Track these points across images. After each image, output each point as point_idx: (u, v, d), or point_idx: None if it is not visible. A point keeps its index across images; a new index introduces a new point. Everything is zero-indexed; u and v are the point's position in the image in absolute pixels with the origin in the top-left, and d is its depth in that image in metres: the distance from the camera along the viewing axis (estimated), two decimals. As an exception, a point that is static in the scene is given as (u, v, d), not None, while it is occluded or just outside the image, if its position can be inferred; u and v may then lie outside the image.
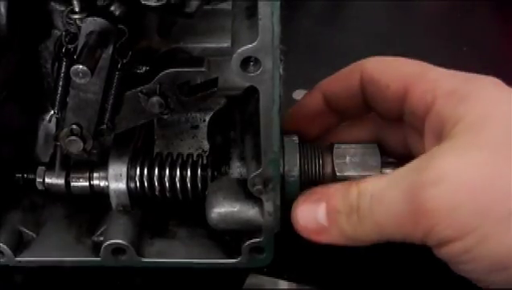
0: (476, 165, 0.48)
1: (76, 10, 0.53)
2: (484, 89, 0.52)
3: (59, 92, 0.57)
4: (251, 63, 0.48)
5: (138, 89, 0.56)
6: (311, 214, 0.54)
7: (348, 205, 0.52)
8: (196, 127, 0.66)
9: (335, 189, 0.54)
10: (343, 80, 0.62)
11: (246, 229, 0.59)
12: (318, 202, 0.54)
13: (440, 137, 0.52)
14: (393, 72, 0.58)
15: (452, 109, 0.52)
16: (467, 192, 0.47)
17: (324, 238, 0.54)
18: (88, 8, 0.53)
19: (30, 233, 0.62)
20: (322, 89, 0.63)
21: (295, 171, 0.57)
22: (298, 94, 0.84)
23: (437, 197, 0.47)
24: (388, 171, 0.59)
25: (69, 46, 0.55)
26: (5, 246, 0.60)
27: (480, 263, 0.49)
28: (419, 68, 0.57)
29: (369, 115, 0.63)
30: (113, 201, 0.61)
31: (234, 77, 0.58)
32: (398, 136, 0.60)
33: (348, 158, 0.58)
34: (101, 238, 0.61)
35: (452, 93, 0.53)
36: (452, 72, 0.56)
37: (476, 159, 0.48)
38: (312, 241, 0.55)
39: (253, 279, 0.61)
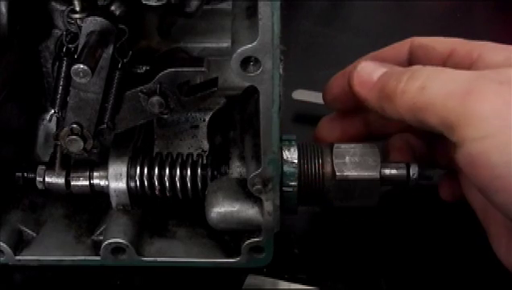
0: None
1: (77, 9, 0.54)
2: None
3: (59, 91, 0.57)
4: (251, 63, 0.48)
5: (138, 88, 0.56)
6: (371, 69, 0.57)
7: (407, 69, 0.54)
8: (196, 127, 0.66)
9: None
10: (393, 48, 0.66)
11: (246, 229, 0.59)
12: (383, 66, 0.57)
13: None
14: (441, 40, 0.63)
15: (504, 56, 0.54)
16: None
17: (365, 92, 0.57)
18: (89, 8, 0.53)
19: (30, 232, 0.63)
20: (373, 55, 0.66)
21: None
22: (298, 94, 0.84)
23: (497, 91, 0.48)
24: (387, 171, 0.59)
25: (70, 45, 0.56)
26: (5, 245, 0.60)
27: None
28: (465, 40, 0.61)
29: None
30: (113, 201, 0.61)
31: (234, 77, 0.58)
32: None
33: (347, 158, 0.59)
34: (101, 238, 0.61)
35: (501, 47, 0.56)
36: None
37: None
38: (355, 91, 0.58)
39: (253, 280, 0.61)
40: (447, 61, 0.60)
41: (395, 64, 0.63)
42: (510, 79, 0.49)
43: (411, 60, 0.63)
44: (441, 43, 0.62)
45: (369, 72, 0.57)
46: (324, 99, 0.67)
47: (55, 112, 0.58)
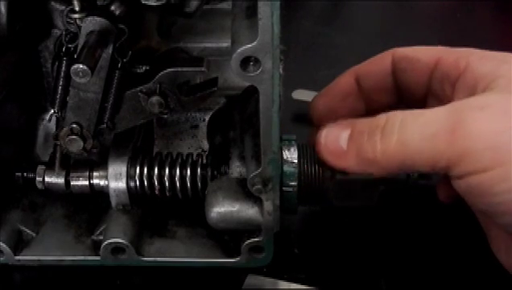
0: None
1: (76, 9, 0.54)
2: None
3: (59, 91, 0.57)
4: (251, 63, 0.48)
5: (138, 88, 0.56)
6: (335, 137, 0.54)
7: (374, 126, 0.52)
8: (196, 127, 0.66)
9: (362, 119, 0.54)
10: (375, 61, 0.64)
11: (246, 229, 0.59)
12: (344, 127, 0.54)
13: (474, 93, 0.52)
14: (424, 49, 0.61)
15: (490, 67, 0.52)
16: None
17: (341, 163, 0.54)
18: (89, 7, 0.53)
19: (30, 232, 0.63)
20: (355, 69, 0.65)
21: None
22: (297, 94, 0.84)
23: (481, 120, 0.47)
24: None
25: (69, 45, 0.56)
26: (4, 245, 0.60)
27: None
28: (448, 48, 0.59)
29: None
30: (113, 200, 0.61)
31: (234, 77, 0.58)
32: None
33: (347, 158, 0.59)
34: (101, 237, 0.61)
35: (489, 56, 0.54)
36: None
37: None
38: (330, 165, 0.55)
39: (253, 279, 0.61)
40: (434, 71, 0.59)
41: (380, 78, 0.63)
42: (489, 102, 0.48)
43: (395, 73, 0.62)
44: (425, 53, 0.60)
45: (334, 139, 0.54)
46: (310, 117, 0.66)
47: (54, 112, 0.58)
